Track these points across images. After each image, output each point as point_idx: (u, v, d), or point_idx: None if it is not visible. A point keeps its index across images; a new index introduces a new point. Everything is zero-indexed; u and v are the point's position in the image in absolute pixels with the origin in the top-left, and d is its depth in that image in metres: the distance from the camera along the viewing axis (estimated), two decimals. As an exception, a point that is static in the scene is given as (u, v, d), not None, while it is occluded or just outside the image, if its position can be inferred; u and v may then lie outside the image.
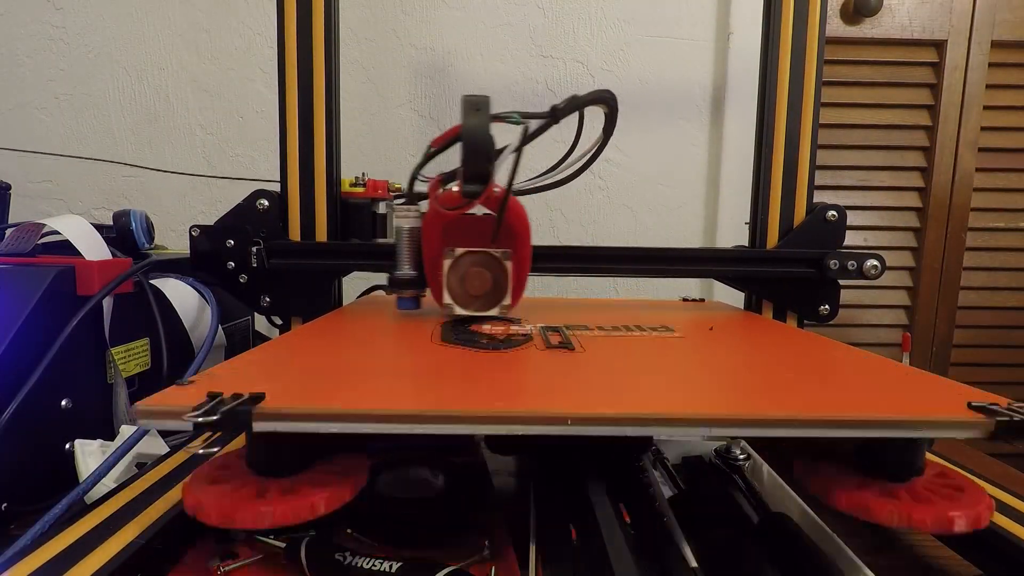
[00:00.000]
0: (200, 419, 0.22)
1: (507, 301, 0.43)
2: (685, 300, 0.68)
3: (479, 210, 0.43)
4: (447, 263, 0.43)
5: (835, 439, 0.26)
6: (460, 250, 0.43)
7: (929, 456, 0.31)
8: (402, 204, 0.46)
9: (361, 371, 0.32)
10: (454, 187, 0.40)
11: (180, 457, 0.36)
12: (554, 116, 0.38)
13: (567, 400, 0.27)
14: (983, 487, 0.28)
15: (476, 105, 0.35)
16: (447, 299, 0.43)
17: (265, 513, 0.24)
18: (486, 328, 0.42)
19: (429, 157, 0.42)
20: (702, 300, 0.67)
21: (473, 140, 0.35)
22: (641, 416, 0.24)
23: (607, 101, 0.40)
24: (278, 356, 0.35)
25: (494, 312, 0.43)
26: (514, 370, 0.32)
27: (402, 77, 0.92)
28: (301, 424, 0.24)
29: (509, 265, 0.43)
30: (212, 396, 0.24)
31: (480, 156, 0.35)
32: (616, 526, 0.27)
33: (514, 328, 0.42)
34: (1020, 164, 1.00)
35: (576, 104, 0.39)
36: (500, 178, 0.39)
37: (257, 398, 0.24)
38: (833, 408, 0.25)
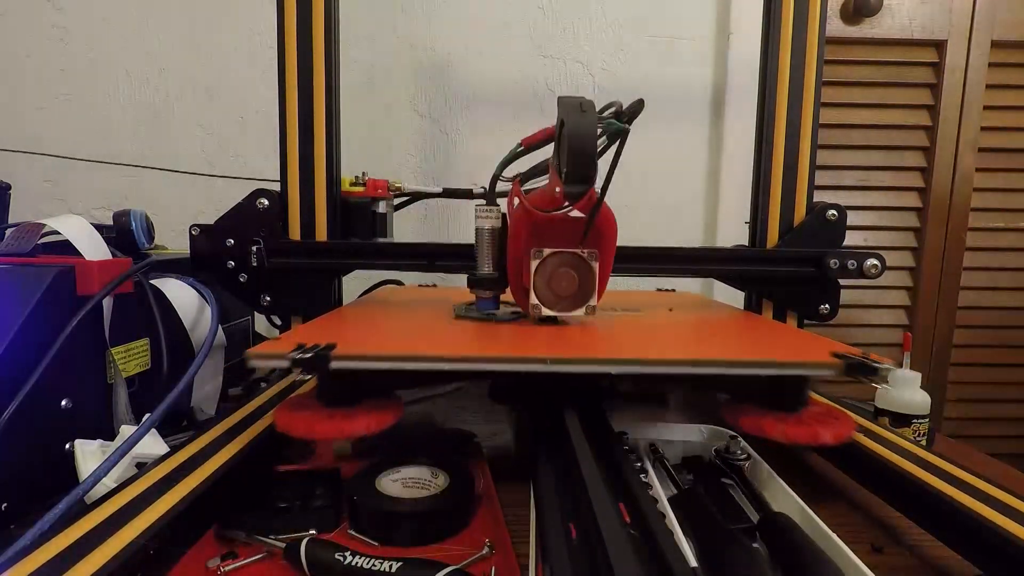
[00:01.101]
0: (298, 356, 0.32)
1: (593, 302, 0.43)
2: (659, 290, 0.76)
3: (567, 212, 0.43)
4: (534, 264, 0.43)
5: (740, 379, 0.36)
6: (548, 251, 0.43)
7: (820, 399, 0.42)
8: (482, 205, 0.46)
9: (400, 334, 0.43)
10: (555, 188, 0.39)
11: (180, 457, 0.36)
12: (629, 123, 0.38)
13: (549, 350, 0.36)
14: (853, 417, 0.38)
15: (582, 106, 0.35)
16: (534, 299, 0.43)
17: (335, 427, 0.34)
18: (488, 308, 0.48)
19: (516, 156, 0.42)
20: (672, 291, 0.77)
21: (580, 141, 0.34)
22: (600, 359, 0.34)
23: (638, 110, 0.40)
24: (332, 326, 0.45)
25: (579, 312, 0.43)
26: (512, 335, 0.41)
27: (402, 77, 0.92)
28: (363, 363, 0.33)
29: (596, 266, 0.43)
30: (300, 345, 0.34)
31: (586, 158, 0.35)
32: (616, 526, 0.27)
33: (513, 308, 0.48)
34: (1020, 164, 1.00)
35: (634, 109, 0.39)
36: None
37: (331, 346, 0.34)
38: (737, 356, 0.35)
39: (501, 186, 0.46)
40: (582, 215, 0.41)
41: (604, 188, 0.38)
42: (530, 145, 0.42)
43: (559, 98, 0.37)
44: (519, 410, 0.53)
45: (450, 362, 0.33)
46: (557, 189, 0.38)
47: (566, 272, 0.43)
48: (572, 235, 0.43)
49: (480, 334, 0.42)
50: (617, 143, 0.37)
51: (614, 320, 0.49)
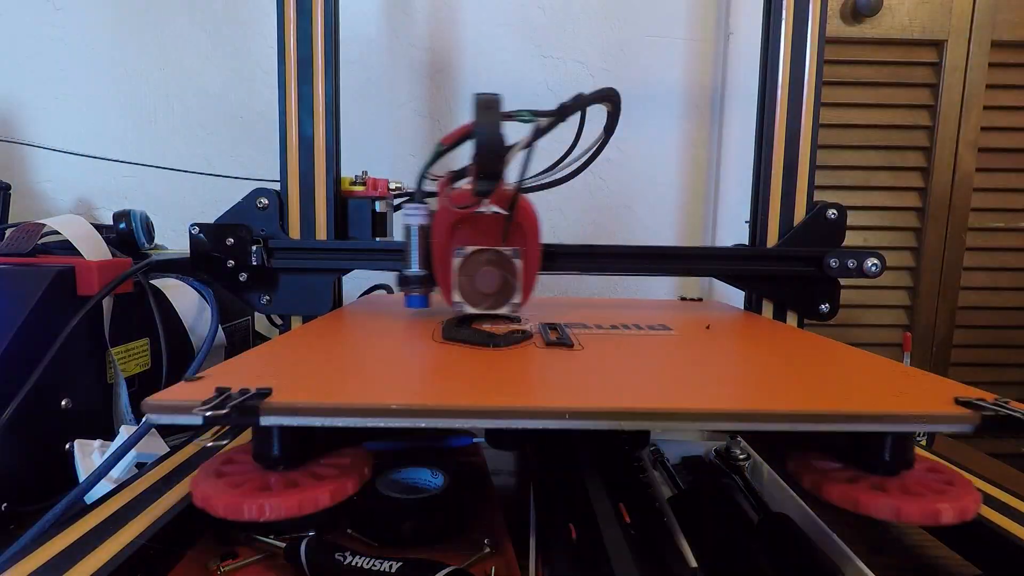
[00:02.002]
0: (209, 413, 0.23)
1: (517, 299, 0.43)
2: (683, 299, 0.68)
3: (488, 209, 0.43)
4: (457, 261, 0.43)
5: (827, 433, 0.28)
6: (470, 248, 0.43)
7: (921, 452, 0.32)
8: (410, 202, 0.46)
9: (365, 367, 0.33)
10: (465, 185, 0.40)
11: (180, 457, 0.36)
12: (561, 114, 0.38)
13: (565, 395, 0.28)
14: (971, 480, 0.28)
15: (488, 103, 0.35)
16: (457, 297, 0.43)
17: (271, 506, 0.25)
18: (487, 326, 0.42)
19: (439, 155, 0.42)
20: (699, 300, 0.67)
21: (486, 138, 0.35)
22: (637, 410, 0.25)
23: (611, 99, 0.40)
24: (282, 353, 0.35)
25: (504, 311, 0.43)
26: (514, 366, 0.33)
27: (402, 77, 0.92)
28: (308, 419, 0.24)
29: (519, 263, 0.43)
30: (221, 391, 0.25)
31: (492, 154, 0.35)
32: (616, 526, 0.27)
33: (514, 326, 0.43)
34: (1020, 164, 0.99)
35: (583, 102, 0.39)
36: (508, 176, 0.39)
37: (264, 393, 0.25)
38: (823, 403, 0.26)
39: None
40: (503, 211, 0.41)
41: (519, 184, 0.39)
42: (450, 143, 0.42)
43: (473, 95, 0.37)
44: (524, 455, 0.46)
45: (430, 417, 0.24)
46: (466, 186, 0.38)
47: (489, 269, 0.42)
48: (494, 232, 0.43)
49: (473, 367, 0.32)
50: (532, 136, 0.37)
51: (643, 342, 0.40)
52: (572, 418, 0.24)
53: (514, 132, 0.38)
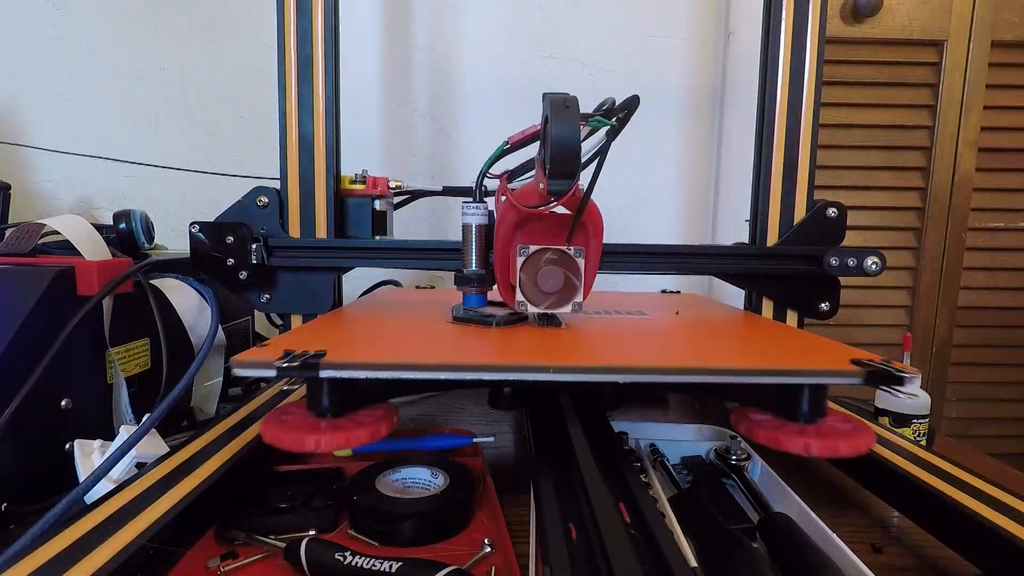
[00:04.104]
0: (285, 365, 0.30)
1: (579, 298, 0.43)
2: (664, 292, 0.75)
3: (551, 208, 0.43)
4: (520, 260, 0.43)
5: (754, 387, 0.35)
6: (534, 247, 0.43)
7: (836, 406, 0.37)
8: (469, 202, 0.46)
9: (394, 339, 0.41)
10: (540, 184, 0.39)
11: (180, 457, 0.36)
12: (621, 123, 0.39)
13: (552, 358, 0.34)
14: (872, 427, 0.34)
15: (565, 103, 0.35)
16: (519, 296, 0.43)
17: (325, 440, 0.31)
18: (489, 310, 0.47)
19: (502, 154, 0.42)
20: (678, 292, 0.75)
21: (563, 138, 0.35)
22: (606, 367, 0.32)
23: (633, 106, 0.40)
24: (324, 329, 0.43)
25: (567, 309, 0.43)
26: (512, 340, 0.40)
27: (402, 76, 0.92)
28: (355, 371, 0.30)
29: (582, 263, 0.43)
30: (288, 353, 0.32)
31: (570, 154, 0.35)
32: (616, 526, 0.27)
33: (512, 310, 0.46)
34: (1020, 164, 0.99)
35: (633, 109, 0.39)
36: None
37: (320, 354, 0.32)
38: (749, 363, 0.33)
39: (492, 184, 0.46)
40: (568, 211, 0.41)
41: (591, 184, 0.38)
42: (517, 143, 0.42)
43: (544, 95, 0.37)
44: (520, 413, 0.51)
45: (447, 371, 0.31)
46: (541, 185, 0.38)
47: (552, 268, 0.42)
48: (559, 231, 0.42)
49: (478, 339, 0.40)
50: (605, 140, 0.37)
51: (619, 323, 0.47)
52: (555, 372, 0.31)
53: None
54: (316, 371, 0.30)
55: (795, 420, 0.33)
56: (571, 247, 0.43)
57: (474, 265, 0.46)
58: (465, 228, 0.46)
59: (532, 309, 0.43)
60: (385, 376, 0.30)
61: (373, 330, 0.44)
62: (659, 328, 0.47)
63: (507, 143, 0.42)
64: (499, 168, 0.45)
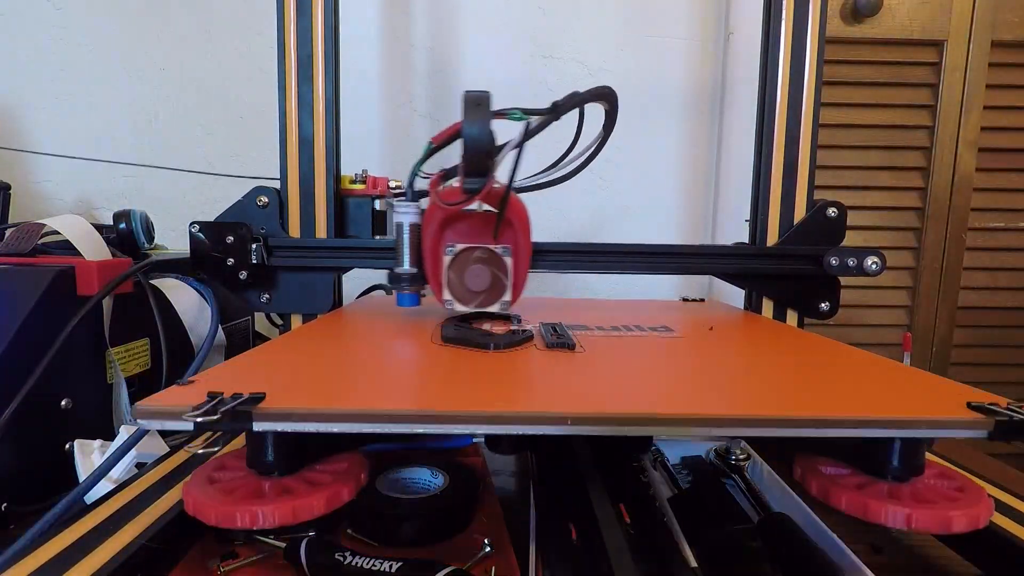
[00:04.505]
0: (200, 419, 0.22)
1: (507, 297, 0.43)
2: (685, 300, 0.68)
3: (480, 207, 0.43)
4: (447, 259, 0.43)
5: (835, 439, 0.27)
6: (460, 246, 0.43)
7: (929, 456, 0.31)
8: (402, 200, 0.46)
9: (362, 371, 0.32)
10: (455, 183, 0.40)
11: (180, 457, 0.36)
12: (555, 112, 0.38)
13: (567, 400, 0.27)
14: (983, 487, 0.28)
15: (477, 101, 0.35)
16: (447, 295, 0.43)
17: (264, 514, 0.24)
18: (486, 327, 0.42)
19: (430, 153, 0.42)
20: (702, 300, 0.67)
21: (473, 136, 0.35)
22: (641, 416, 0.24)
23: (608, 98, 0.40)
24: (278, 356, 0.35)
25: (495, 308, 0.43)
26: (514, 370, 0.32)
27: (402, 77, 0.92)
28: (301, 424, 0.23)
29: (509, 261, 0.43)
30: (212, 396, 0.24)
31: (480, 152, 0.35)
32: (616, 526, 0.27)
33: (515, 327, 0.42)
34: (1020, 164, 0.99)
35: (577, 100, 0.39)
36: (501, 175, 0.39)
37: (257, 398, 0.24)
38: (831, 408, 0.25)
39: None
40: (493, 209, 0.41)
41: (510, 181, 0.38)
42: (441, 141, 0.42)
43: (463, 93, 0.37)
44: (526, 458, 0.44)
45: (427, 423, 0.24)
46: (455, 183, 0.38)
47: (479, 267, 0.42)
48: (485, 230, 0.42)
49: (472, 369, 0.32)
50: (522, 135, 0.37)
51: (644, 344, 0.39)
52: (574, 424, 0.24)
53: (510, 130, 0.38)
54: (247, 423, 0.23)
55: (883, 476, 0.27)
56: (498, 245, 0.42)
57: (406, 264, 0.46)
58: (397, 227, 0.45)
59: (461, 308, 0.43)
60: (339, 430, 0.24)
61: (342, 357, 0.36)
62: (694, 352, 0.39)
63: (432, 143, 0.42)
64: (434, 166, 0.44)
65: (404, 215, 0.45)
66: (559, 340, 0.38)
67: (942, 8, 0.95)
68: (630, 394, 0.29)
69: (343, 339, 0.41)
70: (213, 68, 0.90)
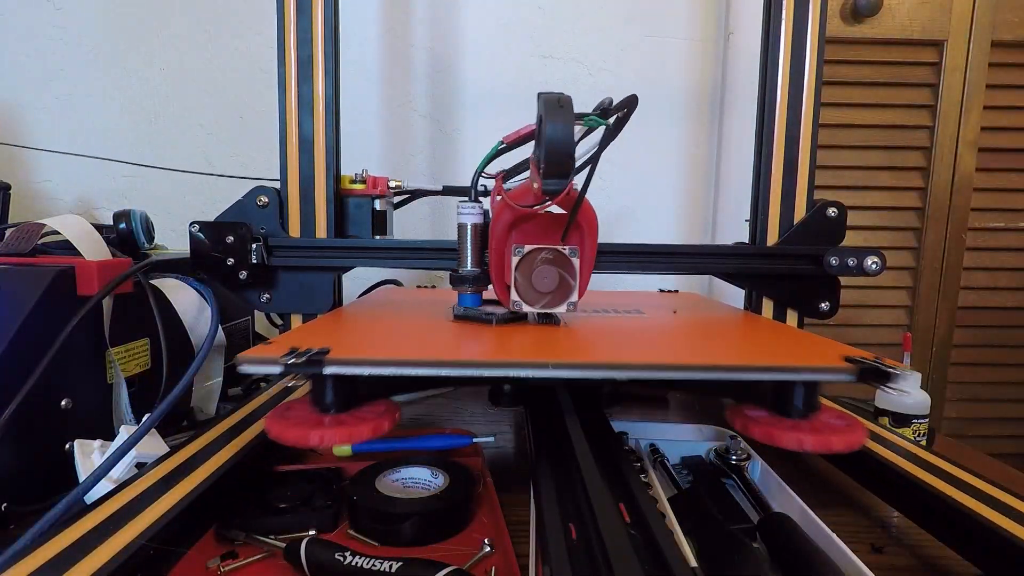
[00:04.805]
0: (291, 361, 0.30)
1: (574, 298, 0.43)
2: (661, 291, 0.74)
3: (542, 209, 0.43)
4: (515, 260, 0.43)
5: (749, 384, 0.36)
6: (529, 247, 0.42)
7: (831, 403, 0.38)
8: (466, 201, 0.45)
9: (396, 337, 0.41)
10: (534, 184, 0.39)
11: (180, 457, 0.36)
12: (619, 124, 0.39)
13: (550, 355, 0.34)
14: (864, 423, 0.35)
15: (559, 102, 0.35)
16: (514, 296, 0.43)
17: (328, 436, 0.31)
18: (488, 308, 0.47)
19: (498, 153, 0.42)
20: (675, 291, 0.75)
21: (557, 137, 0.35)
22: (603, 363, 0.32)
23: (632, 106, 0.40)
24: (327, 327, 0.43)
25: (561, 309, 0.43)
26: (511, 337, 0.40)
27: (402, 76, 0.92)
28: (358, 368, 0.31)
29: (576, 262, 0.43)
30: (294, 349, 0.32)
31: (564, 154, 0.35)
32: (616, 526, 0.27)
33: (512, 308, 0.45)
34: (1020, 164, 0.99)
35: (631, 110, 0.39)
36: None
37: (325, 351, 0.32)
38: (743, 360, 0.34)
39: (489, 184, 0.46)
40: (563, 211, 0.41)
41: (586, 184, 0.38)
42: (512, 142, 0.42)
43: (539, 94, 0.37)
44: (520, 412, 0.51)
45: (450, 367, 0.31)
46: (536, 185, 0.38)
47: (547, 268, 0.42)
48: (554, 231, 0.43)
49: (479, 337, 0.40)
50: (600, 140, 0.37)
51: (616, 322, 0.48)
52: (554, 368, 0.31)
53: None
54: (321, 367, 0.31)
55: (789, 416, 0.34)
56: (566, 247, 0.43)
57: (469, 265, 0.46)
58: (461, 228, 0.46)
59: (528, 308, 0.43)
60: (387, 373, 0.31)
61: (374, 328, 0.44)
62: (656, 327, 0.47)
63: (503, 143, 0.42)
64: (496, 167, 0.45)
65: (467, 216, 0.45)
66: (546, 319, 0.46)
67: (942, 8, 0.95)
68: (597, 352, 0.38)
69: (375, 317, 0.49)
70: (213, 68, 0.90)
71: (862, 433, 0.33)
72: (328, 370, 0.31)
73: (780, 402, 0.34)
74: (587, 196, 0.39)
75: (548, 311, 0.43)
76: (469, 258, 0.46)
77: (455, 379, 0.38)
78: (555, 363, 0.31)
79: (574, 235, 0.43)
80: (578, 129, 0.37)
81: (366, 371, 0.31)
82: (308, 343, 0.33)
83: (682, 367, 0.32)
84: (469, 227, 0.45)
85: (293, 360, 0.30)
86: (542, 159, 0.35)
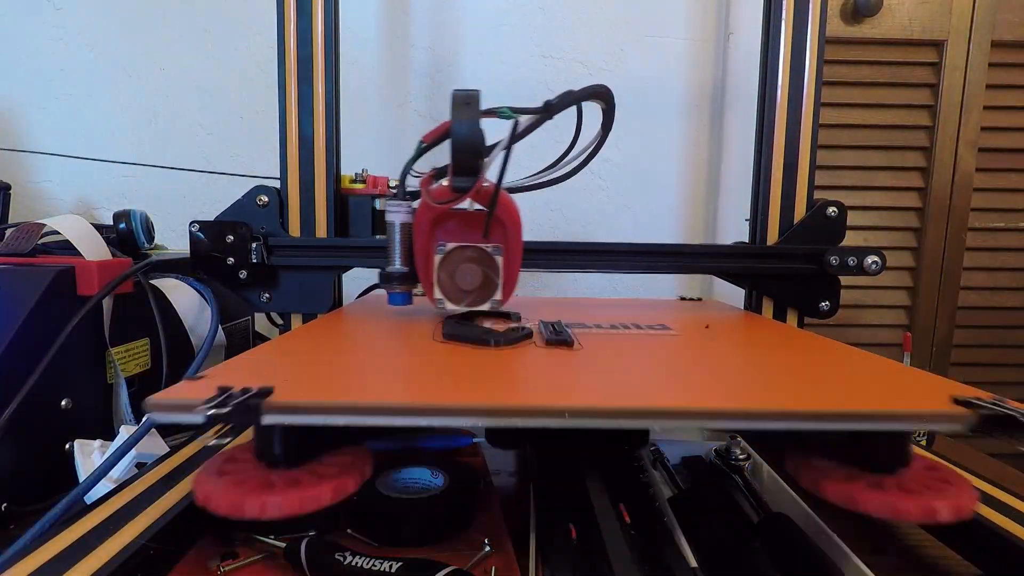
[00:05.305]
0: (212, 411, 0.23)
1: (498, 296, 0.43)
2: (683, 299, 0.68)
3: (471, 206, 0.43)
4: (438, 258, 0.43)
5: (825, 432, 0.28)
6: (451, 245, 0.43)
7: (919, 451, 0.32)
8: (394, 199, 0.45)
9: (367, 366, 0.33)
10: (444, 181, 0.40)
11: (180, 457, 0.36)
12: (547, 111, 0.38)
13: (565, 394, 0.27)
14: (969, 479, 0.28)
15: (466, 99, 0.35)
16: (438, 294, 0.43)
17: (272, 503, 0.25)
18: (487, 323, 0.42)
19: (421, 152, 0.42)
20: (699, 299, 0.67)
21: (462, 134, 0.35)
22: (636, 409, 0.24)
23: (603, 96, 0.40)
24: (283, 353, 0.35)
25: (485, 307, 0.43)
26: (514, 366, 0.33)
27: (402, 76, 0.92)
28: (309, 417, 0.24)
29: (500, 260, 0.43)
30: (223, 390, 0.24)
31: (469, 150, 0.35)
32: (616, 526, 0.27)
33: (514, 325, 0.42)
34: (1020, 164, 0.99)
35: (570, 99, 0.39)
36: (492, 173, 0.39)
37: (266, 392, 0.24)
38: (821, 402, 0.26)
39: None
40: (484, 208, 0.41)
41: (499, 179, 0.38)
42: (431, 140, 0.42)
43: (452, 91, 0.36)
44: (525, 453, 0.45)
45: (431, 415, 0.24)
46: (445, 182, 0.38)
47: (469, 266, 0.42)
48: (476, 229, 0.42)
49: (474, 364, 0.32)
50: (511, 133, 0.37)
51: (641, 341, 0.40)
52: (572, 417, 0.24)
53: (502, 130, 0.38)
54: (257, 416, 0.23)
55: (868, 468, 0.27)
56: (489, 244, 0.43)
57: (398, 263, 0.45)
58: (389, 226, 0.45)
59: (450, 306, 0.43)
60: (347, 423, 0.24)
61: (345, 352, 0.37)
62: (690, 348, 0.39)
63: (422, 142, 0.42)
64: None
65: (395, 214, 0.45)
66: (558, 337, 0.38)
67: (942, 8, 0.95)
68: (626, 388, 0.29)
69: (347, 336, 0.42)
70: (213, 68, 0.90)
71: (971, 495, 0.26)
72: (267, 420, 0.24)
73: (858, 452, 0.28)
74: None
75: (471, 309, 0.43)
76: (398, 256, 0.45)
77: (440, 429, 0.33)
78: (572, 409, 0.24)
79: (497, 232, 0.43)
80: (509, 124, 0.37)
81: (318, 421, 0.24)
82: (250, 378, 0.26)
83: (739, 415, 0.24)
84: (397, 225, 0.45)
85: (216, 408, 0.23)
86: (451, 156, 0.35)
